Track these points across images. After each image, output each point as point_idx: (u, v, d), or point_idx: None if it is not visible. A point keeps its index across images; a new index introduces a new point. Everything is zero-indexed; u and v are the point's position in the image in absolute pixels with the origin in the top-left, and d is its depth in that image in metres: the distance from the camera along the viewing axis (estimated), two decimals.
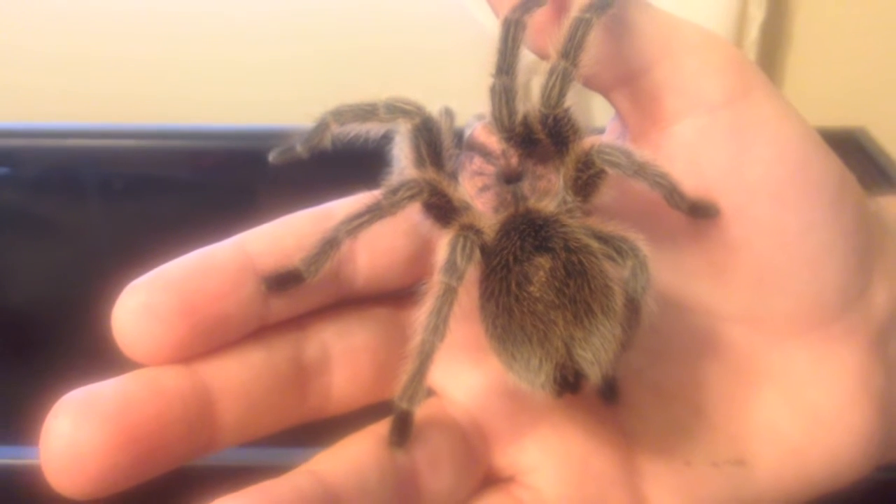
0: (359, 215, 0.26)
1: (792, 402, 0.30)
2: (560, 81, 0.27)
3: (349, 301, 0.29)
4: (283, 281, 0.26)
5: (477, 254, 0.26)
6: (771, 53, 0.76)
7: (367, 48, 0.73)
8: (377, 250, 0.28)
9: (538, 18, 0.27)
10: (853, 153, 0.62)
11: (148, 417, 0.24)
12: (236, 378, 0.26)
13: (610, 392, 0.29)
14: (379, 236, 0.28)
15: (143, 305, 0.25)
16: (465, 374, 0.29)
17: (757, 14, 0.72)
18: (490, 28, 0.28)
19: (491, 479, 0.29)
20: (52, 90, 0.75)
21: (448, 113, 0.30)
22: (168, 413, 0.24)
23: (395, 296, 0.29)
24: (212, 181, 0.64)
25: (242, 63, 0.75)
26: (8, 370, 0.59)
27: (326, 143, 0.29)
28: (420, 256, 0.28)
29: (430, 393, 0.29)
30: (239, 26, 0.76)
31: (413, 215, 0.28)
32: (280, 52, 0.75)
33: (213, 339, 0.25)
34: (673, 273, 0.29)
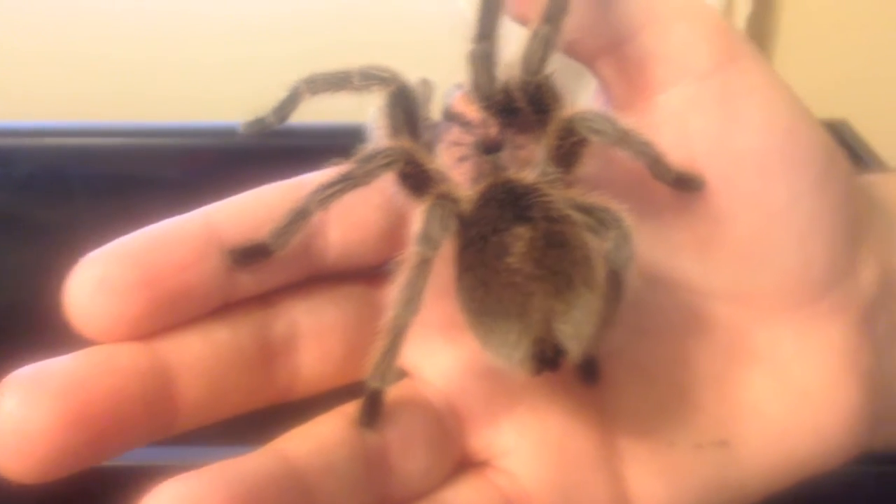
0: (330, 185, 0.25)
1: (778, 382, 0.29)
2: (542, 46, 0.26)
3: (320, 278, 0.27)
4: (249, 254, 0.25)
5: (454, 223, 0.25)
6: (759, 46, 0.75)
7: (356, 43, 0.72)
8: (349, 224, 0.27)
9: None
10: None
11: (101, 395, 0.22)
12: (198, 355, 0.24)
13: (590, 371, 0.28)
14: (351, 210, 0.27)
15: (98, 278, 0.23)
16: (440, 354, 0.28)
17: (744, 7, 0.72)
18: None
19: (466, 463, 0.28)
20: (37, 89, 0.74)
21: (426, 84, 0.29)
22: (123, 391, 0.23)
23: (368, 273, 0.28)
24: (201, 179, 0.62)
25: (231, 60, 0.74)
26: None
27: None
28: (394, 231, 0.27)
29: (404, 374, 0.28)
30: (227, 24, 0.75)
31: (388, 187, 0.27)
32: (269, 49, 0.74)
33: (173, 314, 0.24)
34: (657, 248, 0.28)
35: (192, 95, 0.74)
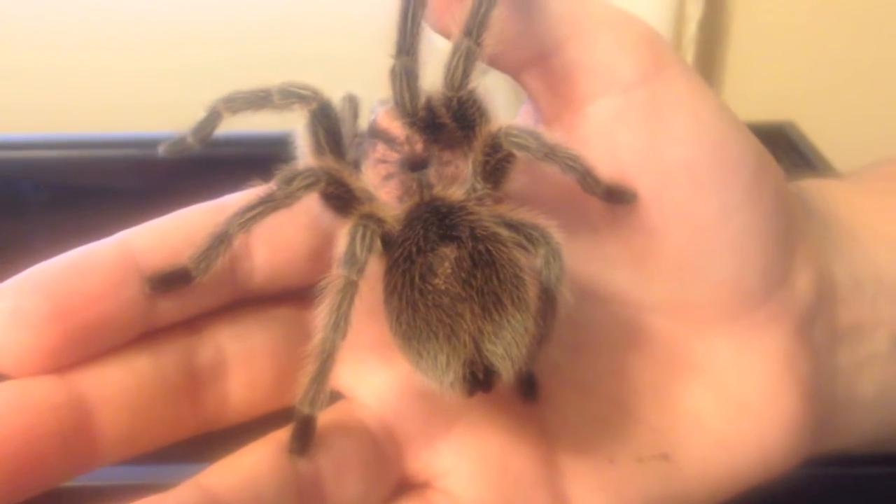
0: (251, 207, 0.25)
1: (717, 393, 0.28)
2: (463, 61, 0.25)
3: (248, 301, 0.27)
4: (169, 280, 0.24)
5: (378, 244, 0.24)
6: (710, 50, 0.76)
7: (309, 51, 0.71)
8: (276, 245, 0.26)
9: None
10: (782, 146, 0.62)
11: (15, 433, 0.22)
12: (118, 387, 0.24)
13: (529, 389, 0.27)
14: (278, 231, 0.26)
15: (9, 310, 0.23)
16: (375, 375, 0.27)
17: (695, 12, 0.73)
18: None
19: (405, 485, 0.27)
20: None
21: (351, 100, 0.29)
22: (39, 427, 0.22)
23: (297, 294, 0.27)
24: (155, 189, 0.61)
25: (185, 68, 0.73)
26: None
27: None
28: (323, 251, 0.27)
29: (339, 396, 0.27)
30: (179, 31, 0.74)
31: (314, 207, 0.26)
32: (216, 57, 0.73)
33: (90, 345, 0.23)
34: (592, 262, 0.28)
35: (145, 105, 0.73)
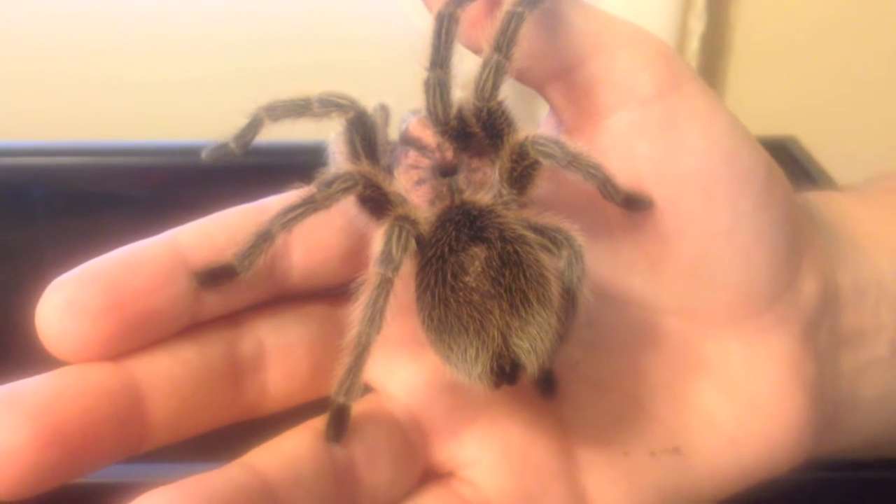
0: (293, 208, 0.26)
1: (727, 392, 0.30)
2: (493, 74, 0.27)
3: (285, 297, 0.28)
4: (215, 276, 0.26)
5: (413, 244, 0.26)
6: (711, 64, 0.77)
7: (318, 62, 0.73)
8: (313, 246, 0.28)
9: (471, 12, 0.28)
10: (784, 161, 0.63)
11: (74, 415, 0.23)
12: (167, 374, 0.25)
13: (548, 385, 0.29)
14: (314, 232, 0.28)
15: (68, 301, 0.24)
16: (403, 370, 0.29)
17: (697, 26, 0.74)
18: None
19: (431, 475, 0.29)
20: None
21: (383, 109, 0.30)
22: (95, 410, 0.23)
23: (331, 292, 0.29)
24: (163, 197, 0.63)
25: (194, 78, 0.75)
26: None
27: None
28: (356, 252, 0.28)
29: (368, 389, 0.29)
30: (185, 42, 0.76)
31: (349, 210, 0.28)
32: (228, 66, 0.74)
33: (142, 335, 0.25)
34: (609, 266, 0.30)
35: (154, 113, 0.74)
